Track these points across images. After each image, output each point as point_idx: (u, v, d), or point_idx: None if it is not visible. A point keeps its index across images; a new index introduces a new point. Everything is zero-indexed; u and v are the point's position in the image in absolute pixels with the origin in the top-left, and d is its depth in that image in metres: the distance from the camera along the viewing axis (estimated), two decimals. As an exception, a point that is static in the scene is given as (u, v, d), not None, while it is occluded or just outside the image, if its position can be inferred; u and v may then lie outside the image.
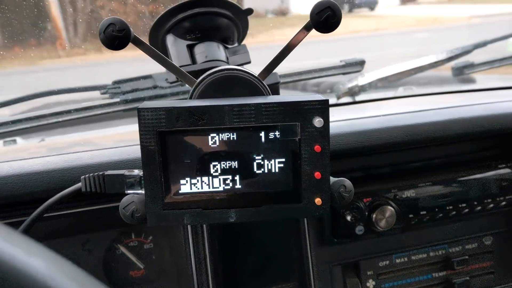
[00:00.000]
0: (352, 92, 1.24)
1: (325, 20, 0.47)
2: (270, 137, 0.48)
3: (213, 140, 0.48)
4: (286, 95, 0.51)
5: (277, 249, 0.75)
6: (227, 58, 0.75)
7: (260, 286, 0.74)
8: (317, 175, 0.49)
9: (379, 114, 0.71)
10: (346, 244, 0.77)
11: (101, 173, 0.51)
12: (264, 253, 0.74)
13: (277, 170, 0.49)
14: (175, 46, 0.75)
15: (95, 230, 0.70)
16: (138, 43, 0.49)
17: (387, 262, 0.80)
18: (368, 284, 0.79)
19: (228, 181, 0.49)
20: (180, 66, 0.62)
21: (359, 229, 0.75)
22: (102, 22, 0.46)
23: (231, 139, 0.48)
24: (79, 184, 0.52)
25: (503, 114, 0.73)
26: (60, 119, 0.90)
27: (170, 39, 0.75)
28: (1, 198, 0.53)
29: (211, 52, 0.74)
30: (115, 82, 0.95)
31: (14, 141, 1.05)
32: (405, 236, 0.79)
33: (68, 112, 0.90)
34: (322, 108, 0.47)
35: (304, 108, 0.47)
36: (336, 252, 0.77)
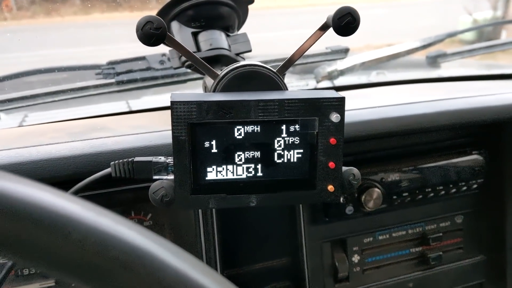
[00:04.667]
0: (331, 76, 1.30)
1: (345, 25, 0.52)
2: (290, 130, 0.53)
3: (239, 132, 0.52)
4: (304, 91, 0.56)
5: (273, 228, 0.80)
6: (229, 46, 0.79)
7: (257, 262, 0.79)
8: (331, 165, 0.54)
9: (374, 105, 0.77)
10: (335, 223, 0.83)
11: (130, 159, 0.55)
12: (261, 232, 0.80)
13: (295, 160, 0.54)
14: (180, 33, 0.77)
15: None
16: (170, 40, 0.52)
17: (371, 238, 0.87)
18: (353, 259, 0.86)
19: (250, 169, 0.54)
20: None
21: (349, 209, 0.81)
22: (139, 20, 0.49)
23: (255, 131, 0.53)
24: (108, 169, 0.55)
25: (481, 108, 0.81)
26: (56, 99, 0.91)
27: (175, 26, 0.78)
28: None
29: (215, 40, 0.77)
30: (109, 63, 0.96)
31: (-2, 116, 1.05)
32: (387, 215, 0.86)
33: (65, 91, 0.91)
34: (339, 104, 0.53)
35: (323, 105, 0.52)
36: (326, 230, 0.83)
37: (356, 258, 0.86)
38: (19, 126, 0.92)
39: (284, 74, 0.72)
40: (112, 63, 0.96)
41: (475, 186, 0.89)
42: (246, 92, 0.54)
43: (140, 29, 0.49)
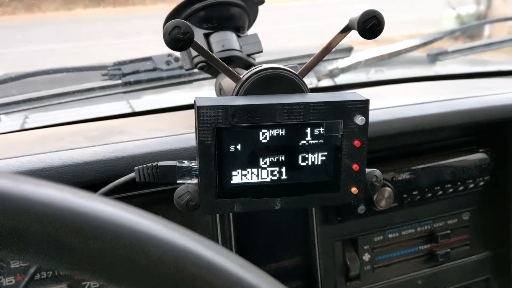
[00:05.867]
0: (332, 74, 1.30)
1: (370, 28, 0.52)
2: (315, 133, 0.53)
3: (264, 136, 0.52)
4: (326, 93, 0.56)
5: (285, 227, 0.80)
6: (241, 47, 0.78)
7: (270, 262, 0.80)
8: (355, 167, 0.55)
9: (387, 106, 0.78)
10: (347, 222, 0.84)
11: (154, 164, 0.54)
12: (274, 232, 0.80)
13: (319, 163, 0.54)
14: (192, 35, 0.77)
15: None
16: (196, 45, 0.51)
17: (381, 237, 0.88)
18: (364, 257, 0.87)
19: (275, 173, 0.54)
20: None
21: (361, 209, 0.82)
22: (167, 25, 0.49)
23: (280, 134, 0.53)
24: (132, 174, 0.55)
25: (492, 107, 0.82)
26: (63, 101, 0.90)
27: (187, 27, 0.77)
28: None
29: (227, 42, 0.77)
30: (116, 64, 0.95)
31: (-1, 118, 1.03)
32: (397, 214, 0.87)
33: (71, 93, 0.90)
34: (364, 107, 0.53)
35: (348, 107, 0.52)
36: (338, 229, 0.84)
37: (366, 257, 0.87)
38: (21, 130, 0.91)
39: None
40: (119, 64, 0.95)
41: (481, 183, 0.90)
42: (270, 96, 0.54)
43: (167, 34, 0.49)
